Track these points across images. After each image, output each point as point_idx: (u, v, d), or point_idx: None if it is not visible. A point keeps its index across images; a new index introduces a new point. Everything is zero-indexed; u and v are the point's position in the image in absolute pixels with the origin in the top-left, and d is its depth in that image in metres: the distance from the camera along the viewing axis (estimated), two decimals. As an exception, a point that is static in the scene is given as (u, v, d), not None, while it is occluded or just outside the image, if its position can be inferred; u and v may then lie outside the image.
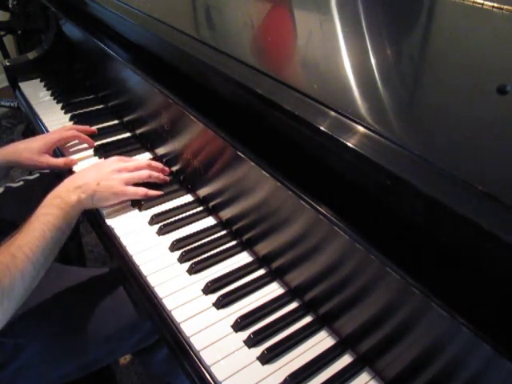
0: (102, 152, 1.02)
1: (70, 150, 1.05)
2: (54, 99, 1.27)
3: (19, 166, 1.02)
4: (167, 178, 0.91)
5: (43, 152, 0.98)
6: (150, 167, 0.89)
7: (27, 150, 0.97)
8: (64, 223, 0.72)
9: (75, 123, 1.14)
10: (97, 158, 1.02)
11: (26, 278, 0.64)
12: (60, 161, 0.99)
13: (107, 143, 1.06)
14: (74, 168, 0.98)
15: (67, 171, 1.00)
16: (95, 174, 0.82)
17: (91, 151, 1.04)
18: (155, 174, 0.88)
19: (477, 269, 0.45)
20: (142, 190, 0.85)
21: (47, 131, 1.12)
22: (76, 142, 1.06)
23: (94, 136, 1.07)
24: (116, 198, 0.83)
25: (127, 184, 0.84)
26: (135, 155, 1.01)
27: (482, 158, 0.51)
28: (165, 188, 0.90)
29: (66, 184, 0.79)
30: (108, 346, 0.86)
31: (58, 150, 1.05)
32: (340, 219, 0.56)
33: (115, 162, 0.86)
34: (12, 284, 0.62)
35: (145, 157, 1.01)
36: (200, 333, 0.64)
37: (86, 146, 1.05)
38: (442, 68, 0.73)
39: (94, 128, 1.09)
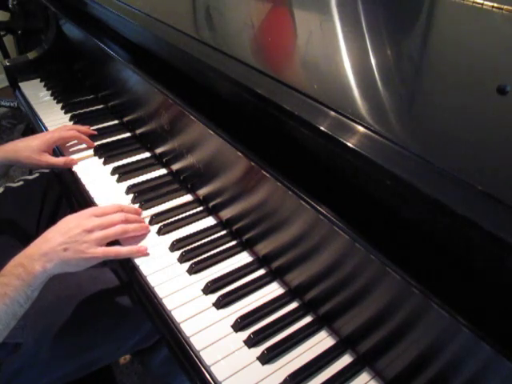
0: (102, 152, 1.02)
1: (70, 149, 1.05)
2: (54, 99, 1.27)
3: (18, 164, 1.01)
4: (145, 229, 0.81)
5: (43, 151, 0.97)
6: (125, 220, 0.78)
7: (27, 148, 0.96)
8: (23, 295, 0.66)
9: (75, 123, 1.14)
10: (97, 157, 1.02)
11: None
12: (60, 160, 0.99)
13: (107, 143, 1.06)
14: (74, 168, 0.98)
15: (67, 171, 1.00)
16: (63, 237, 0.71)
17: (91, 151, 1.04)
18: (131, 226, 0.78)
19: (477, 269, 0.45)
20: (112, 251, 0.75)
21: (47, 131, 1.12)
22: (76, 142, 1.06)
23: (94, 136, 1.07)
24: (87, 263, 0.73)
25: (100, 244, 0.73)
26: (135, 155, 1.01)
27: (482, 158, 0.51)
28: (165, 188, 0.90)
29: (31, 250, 0.70)
30: (108, 346, 0.86)
31: (58, 150, 1.05)
32: (340, 219, 0.56)
33: (86, 218, 0.75)
34: None
35: (145, 156, 1.01)
36: (200, 333, 0.64)
37: (85, 145, 1.05)
38: (442, 68, 0.73)
39: (94, 128, 1.09)
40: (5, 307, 0.63)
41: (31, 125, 1.32)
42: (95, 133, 1.08)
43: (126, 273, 0.77)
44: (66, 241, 0.71)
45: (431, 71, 0.73)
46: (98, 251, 0.73)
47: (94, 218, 0.76)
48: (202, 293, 0.70)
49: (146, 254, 0.76)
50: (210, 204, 0.85)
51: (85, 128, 1.07)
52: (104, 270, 0.92)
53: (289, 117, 0.60)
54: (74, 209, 0.77)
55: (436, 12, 1.00)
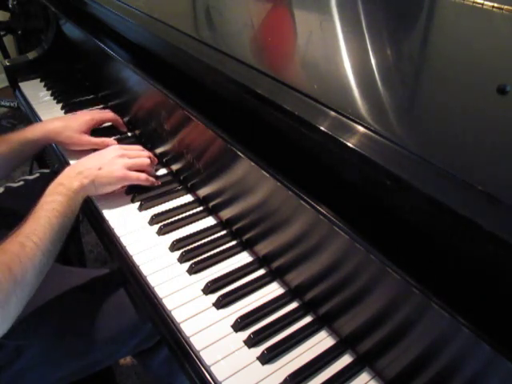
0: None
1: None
2: (54, 99, 1.27)
3: (57, 143, 1.03)
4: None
5: (83, 131, 1.00)
6: (148, 156, 0.91)
7: (68, 128, 0.99)
8: (68, 209, 0.73)
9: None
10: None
11: (36, 266, 0.64)
12: (99, 140, 1.01)
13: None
14: None
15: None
16: (96, 160, 0.83)
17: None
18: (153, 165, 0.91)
19: (477, 269, 0.45)
20: (144, 175, 0.86)
21: (84, 111, 1.12)
22: None
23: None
24: (119, 182, 0.84)
25: (129, 169, 0.84)
26: (135, 155, 1.01)
27: (482, 158, 0.51)
28: (165, 188, 0.90)
29: (68, 171, 0.79)
30: (108, 347, 0.86)
31: (56, 147, 1.05)
32: (340, 219, 0.56)
33: (116, 149, 0.87)
34: (24, 273, 0.62)
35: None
36: (200, 333, 0.64)
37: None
38: (442, 68, 0.73)
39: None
40: (56, 220, 0.70)
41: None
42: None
43: (126, 273, 0.77)
44: (99, 163, 0.82)
45: (431, 71, 0.73)
46: (129, 172, 0.84)
47: (123, 150, 0.88)
48: (202, 293, 0.70)
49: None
50: (210, 204, 0.85)
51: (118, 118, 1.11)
52: (104, 271, 0.92)
53: (289, 117, 0.60)
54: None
55: (436, 12, 1.00)
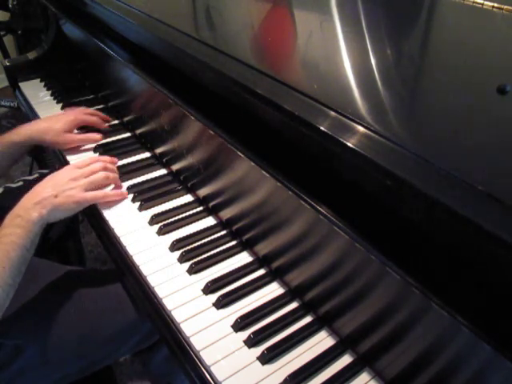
0: (102, 152, 1.02)
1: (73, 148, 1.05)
2: (54, 99, 1.27)
3: (43, 144, 1.04)
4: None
5: (67, 130, 1.02)
6: (104, 168, 0.88)
7: (52, 129, 1.00)
8: (28, 241, 0.71)
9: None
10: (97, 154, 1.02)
11: None
12: (84, 136, 1.03)
13: (107, 143, 1.06)
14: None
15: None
16: (51, 187, 0.79)
17: (91, 151, 1.04)
18: (111, 174, 0.89)
19: (477, 269, 0.45)
20: (101, 194, 0.85)
21: (68, 111, 1.13)
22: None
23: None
24: (78, 206, 0.81)
25: (86, 190, 0.82)
26: (135, 155, 1.01)
27: (482, 158, 0.51)
28: (165, 188, 0.90)
29: (24, 202, 0.76)
30: (108, 347, 0.86)
31: (57, 150, 1.05)
32: (340, 219, 0.56)
33: (70, 170, 0.85)
34: None
35: (145, 156, 1.01)
36: (200, 333, 0.64)
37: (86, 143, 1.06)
38: (442, 68, 0.73)
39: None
40: (14, 253, 0.69)
41: (31, 125, 1.32)
42: (108, 118, 1.13)
43: (126, 273, 0.77)
44: (55, 189, 0.79)
45: (431, 71, 0.73)
46: (86, 194, 0.81)
47: (77, 169, 0.85)
48: (202, 293, 0.70)
49: (126, 197, 0.88)
50: (210, 204, 0.85)
51: (103, 116, 1.12)
52: (104, 270, 0.92)
53: (289, 117, 0.60)
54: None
55: (436, 12, 1.00)
